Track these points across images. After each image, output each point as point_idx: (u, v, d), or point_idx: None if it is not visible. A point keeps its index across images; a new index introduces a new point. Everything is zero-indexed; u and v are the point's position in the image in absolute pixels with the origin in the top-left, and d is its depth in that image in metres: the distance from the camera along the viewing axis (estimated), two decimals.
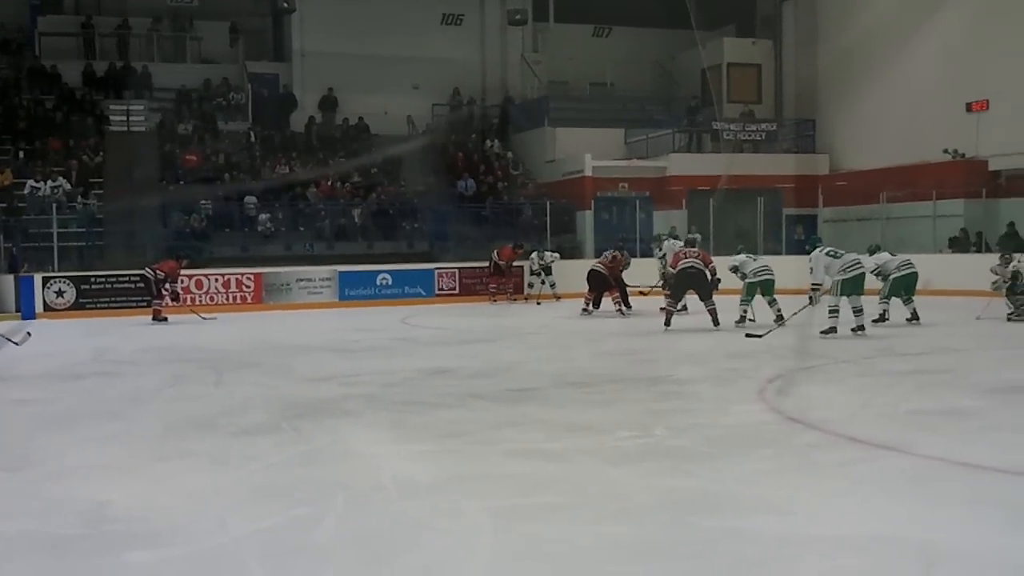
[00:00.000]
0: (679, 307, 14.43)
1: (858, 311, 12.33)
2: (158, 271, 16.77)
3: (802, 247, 23.47)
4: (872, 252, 14.22)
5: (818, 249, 12.65)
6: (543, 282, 20.32)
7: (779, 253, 22.52)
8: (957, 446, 6.14)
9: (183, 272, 17.38)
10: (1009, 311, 14.11)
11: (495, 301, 20.33)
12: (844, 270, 12.27)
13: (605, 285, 16.53)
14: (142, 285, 18.17)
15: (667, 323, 13.43)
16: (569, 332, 14.37)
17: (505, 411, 7.66)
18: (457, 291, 20.65)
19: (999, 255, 15.04)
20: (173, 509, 4.97)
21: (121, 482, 5.58)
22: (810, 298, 12.49)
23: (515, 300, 20.39)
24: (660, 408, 7.72)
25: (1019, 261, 14.35)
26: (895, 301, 13.92)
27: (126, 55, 26.71)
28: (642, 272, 18.03)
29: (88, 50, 26.76)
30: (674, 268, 13.91)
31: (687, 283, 13.76)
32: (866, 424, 6.83)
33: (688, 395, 8.46)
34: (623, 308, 16.37)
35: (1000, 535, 4.42)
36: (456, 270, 20.75)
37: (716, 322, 13.39)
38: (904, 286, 13.88)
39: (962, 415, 7.21)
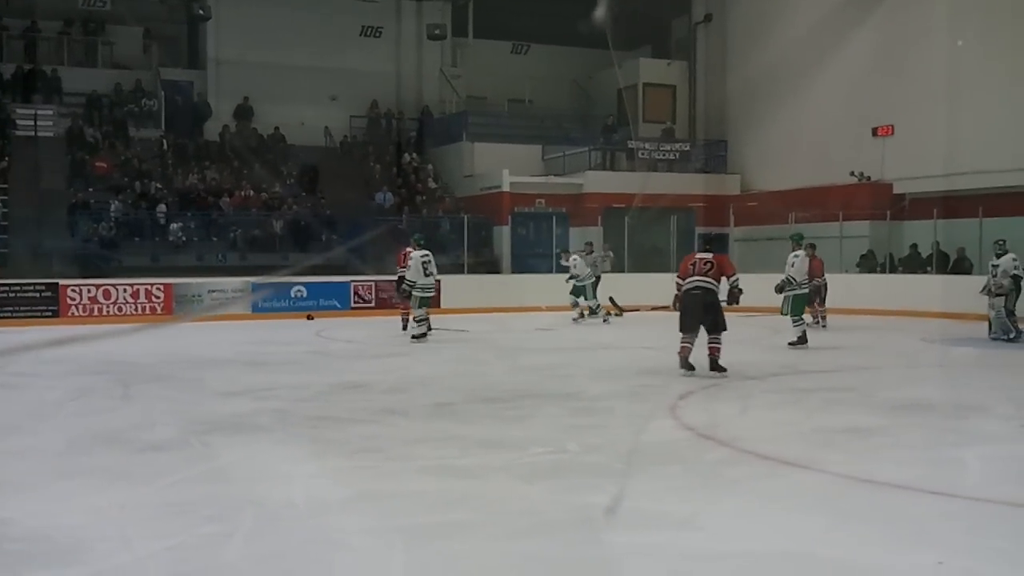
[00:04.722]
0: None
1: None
2: None
3: None
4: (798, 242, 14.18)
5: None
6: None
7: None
8: (862, 463, 6.29)
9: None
10: (999, 333, 14.03)
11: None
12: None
13: None
14: (48, 294, 17.81)
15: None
16: (485, 347, 14.39)
17: (419, 427, 7.65)
18: (373, 304, 20.51)
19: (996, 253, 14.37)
20: (76, 527, 4.85)
21: (22, 499, 5.43)
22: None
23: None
24: (574, 424, 7.79)
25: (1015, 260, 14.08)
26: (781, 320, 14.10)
27: (34, 58, 26.00)
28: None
29: None
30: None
31: None
32: (774, 441, 6.97)
33: (601, 411, 8.54)
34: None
35: (905, 551, 4.55)
36: (372, 283, 20.59)
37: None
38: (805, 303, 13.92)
39: (866, 432, 7.40)
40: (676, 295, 10.63)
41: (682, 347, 10.37)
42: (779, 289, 13.79)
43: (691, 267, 10.46)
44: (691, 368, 10.26)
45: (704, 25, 28.45)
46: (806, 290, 13.74)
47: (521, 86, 29.35)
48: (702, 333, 10.40)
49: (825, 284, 16.30)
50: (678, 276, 10.67)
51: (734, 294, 10.56)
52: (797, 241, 14.25)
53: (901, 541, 4.69)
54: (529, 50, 30.54)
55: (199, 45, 27.90)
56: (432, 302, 15.16)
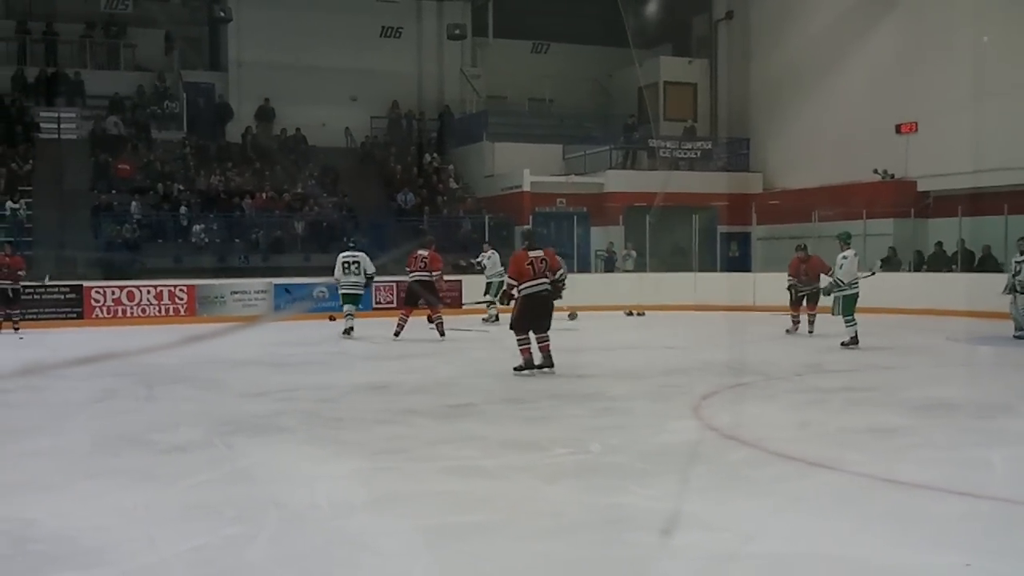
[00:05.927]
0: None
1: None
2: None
3: (736, 264, 24.06)
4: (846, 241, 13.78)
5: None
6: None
7: (715, 269, 22.85)
8: (885, 463, 6.24)
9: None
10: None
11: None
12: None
13: None
14: (72, 296, 17.95)
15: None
16: (507, 347, 14.32)
17: (442, 428, 7.64)
18: (395, 304, 20.49)
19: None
20: (101, 528, 4.87)
21: (48, 500, 5.46)
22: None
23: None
24: (596, 424, 7.76)
25: None
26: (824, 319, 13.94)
27: (57, 61, 26.18)
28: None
29: (20, 55, 26.19)
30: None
31: None
32: (797, 441, 6.93)
33: (624, 411, 8.50)
34: None
35: (932, 552, 4.51)
36: (394, 283, 20.58)
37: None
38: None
39: (890, 432, 7.35)
40: (512, 295, 10.76)
41: (524, 349, 10.57)
42: (826, 292, 13.73)
43: (530, 268, 10.46)
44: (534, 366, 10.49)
45: (725, 22, 28.36)
46: (856, 290, 13.42)
47: (541, 85, 29.34)
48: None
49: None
50: (513, 276, 10.71)
51: (558, 288, 10.71)
52: (845, 241, 13.82)
53: (927, 542, 4.64)
54: (549, 49, 30.50)
55: (220, 47, 28.03)
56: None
